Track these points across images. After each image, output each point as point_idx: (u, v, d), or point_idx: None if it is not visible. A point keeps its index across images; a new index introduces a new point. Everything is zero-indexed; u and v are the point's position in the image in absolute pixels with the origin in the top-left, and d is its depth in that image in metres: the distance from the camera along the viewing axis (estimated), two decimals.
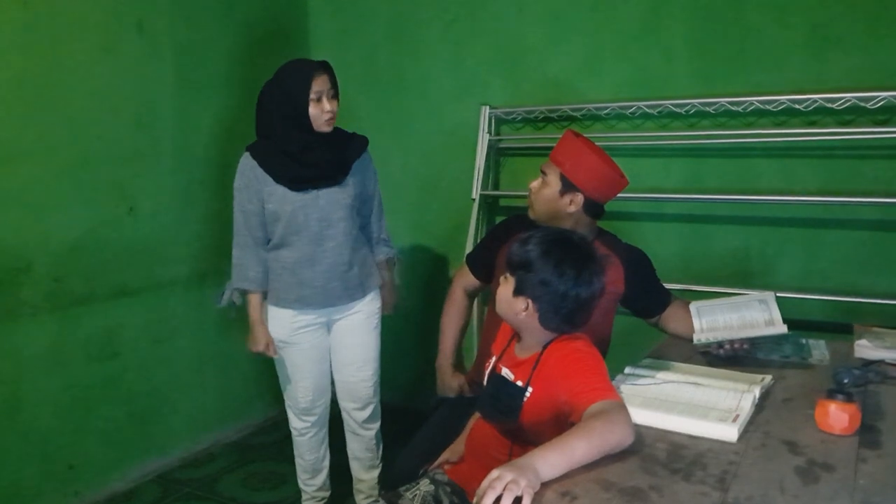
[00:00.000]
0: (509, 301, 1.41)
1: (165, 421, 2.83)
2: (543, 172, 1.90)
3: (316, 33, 3.42)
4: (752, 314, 1.80)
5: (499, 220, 2.96)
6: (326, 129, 2.07)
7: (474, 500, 1.04)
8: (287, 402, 2.32)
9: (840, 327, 2.19)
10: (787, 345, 1.90)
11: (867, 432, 1.32)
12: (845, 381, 1.48)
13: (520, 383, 1.41)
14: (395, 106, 3.28)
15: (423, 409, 3.31)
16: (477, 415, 1.59)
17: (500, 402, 1.44)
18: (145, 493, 2.66)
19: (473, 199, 2.93)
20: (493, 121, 2.94)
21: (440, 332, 2.14)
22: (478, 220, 2.94)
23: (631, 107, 2.62)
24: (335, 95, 2.09)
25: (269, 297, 2.18)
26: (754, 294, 1.90)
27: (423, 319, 3.32)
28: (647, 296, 2.01)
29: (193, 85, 2.82)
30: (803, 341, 1.94)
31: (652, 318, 2.04)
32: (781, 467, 1.18)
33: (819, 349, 1.88)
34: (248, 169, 2.10)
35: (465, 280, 2.13)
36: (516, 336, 1.50)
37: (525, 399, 1.39)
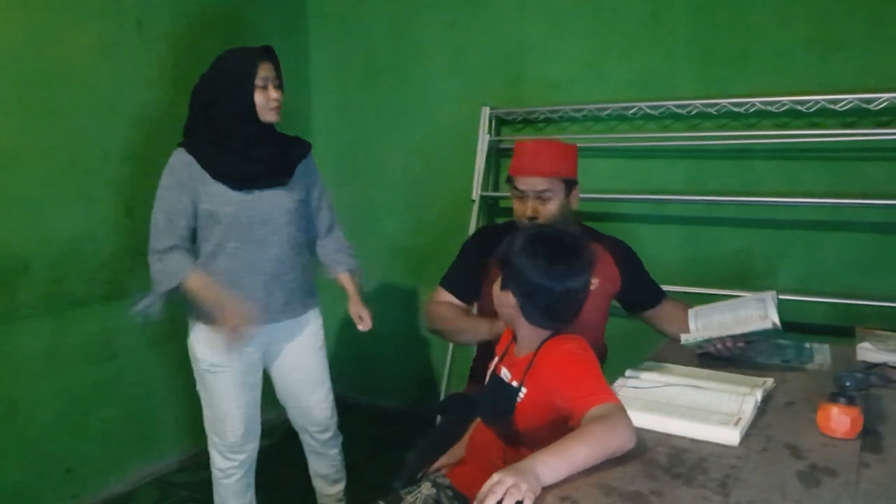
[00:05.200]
0: (498, 295, 1.44)
1: (163, 424, 2.82)
2: (543, 191, 1.81)
3: (316, 34, 3.42)
4: (747, 312, 1.75)
5: (499, 221, 2.96)
6: (273, 118, 1.92)
7: None
8: (211, 439, 2.08)
9: (842, 330, 2.18)
10: (788, 349, 1.89)
11: (869, 436, 1.31)
12: (847, 384, 1.46)
13: (515, 384, 1.41)
14: (395, 106, 3.28)
15: (421, 413, 3.32)
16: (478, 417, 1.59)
17: (497, 404, 1.43)
18: (143, 495, 2.65)
19: (473, 200, 2.93)
20: (493, 121, 2.94)
21: (460, 330, 1.88)
22: (478, 220, 2.93)
23: (632, 108, 2.62)
24: (280, 85, 1.95)
25: (202, 316, 1.93)
26: (753, 294, 1.86)
27: (421, 323, 3.32)
28: (642, 288, 1.98)
29: (192, 86, 2.80)
30: (806, 345, 1.93)
31: (646, 311, 2.00)
32: (783, 471, 1.17)
33: (822, 353, 1.86)
34: (181, 166, 1.89)
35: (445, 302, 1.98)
36: (515, 336, 1.50)
37: (518, 400, 1.38)
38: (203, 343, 1.96)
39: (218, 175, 1.88)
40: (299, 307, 2.07)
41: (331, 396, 2.24)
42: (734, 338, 1.74)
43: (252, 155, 1.90)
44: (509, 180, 1.88)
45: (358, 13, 3.30)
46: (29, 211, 2.31)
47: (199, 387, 2.05)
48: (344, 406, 3.49)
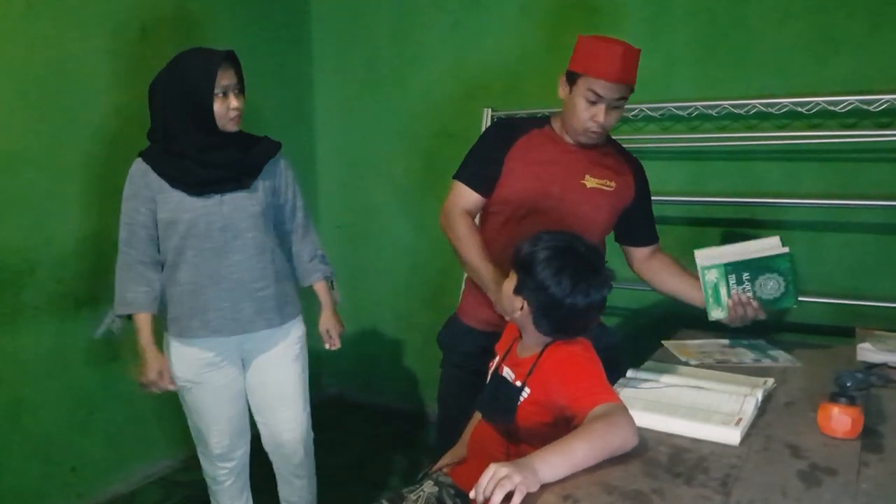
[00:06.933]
0: (509, 297, 1.43)
1: (167, 423, 2.82)
2: (620, 99, 1.74)
3: (318, 37, 3.43)
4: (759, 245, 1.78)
5: None
6: (232, 128, 1.82)
7: (471, 494, 1.06)
8: (199, 449, 2.04)
9: (842, 330, 2.19)
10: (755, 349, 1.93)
11: (870, 436, 1.32)
12: (848, 384, 1.47)
13: (518, 383, 1.42)
14: (397, 109, 3.28)
15: (421, 412, 3.33)
16: (478, 415, 1.60)
17: (499, 401, 1.44)
18: (147, 495, 2.66)
19: None
20: None
21: (468, 263, 1.81)
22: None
23: (633, 109, 2.62)
24: (242, 91, 1.84)
25: (170, 328, 1.90)
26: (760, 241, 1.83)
27: (423, 320, 3.32)
28: (641, 217, 1.94)
29: None
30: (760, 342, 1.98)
31: (635, 247, 1.97)
32: (784, 471, 1.18)
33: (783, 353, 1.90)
34: (138, 176, 1.82)
35: (464, 201, 1.87)
36: (519, 335, 1.51)
37: (521, 400, 1.39)
38: (175, 359, 1.91)
39: (175, 181, 1.80)
40: (275, 317, 1.95)
41: (303, 417, 2.08)
42: (751, 276, 1.74)
43: (208, 160, 1.80)
44: (576, 77, 1.76)
45: (360, 15, 3.31)
46: (34, 212, 2.32)
47: (180, 399, 1.99)
48: (344, 405, 3.53)
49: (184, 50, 1.82)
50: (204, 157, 1.80)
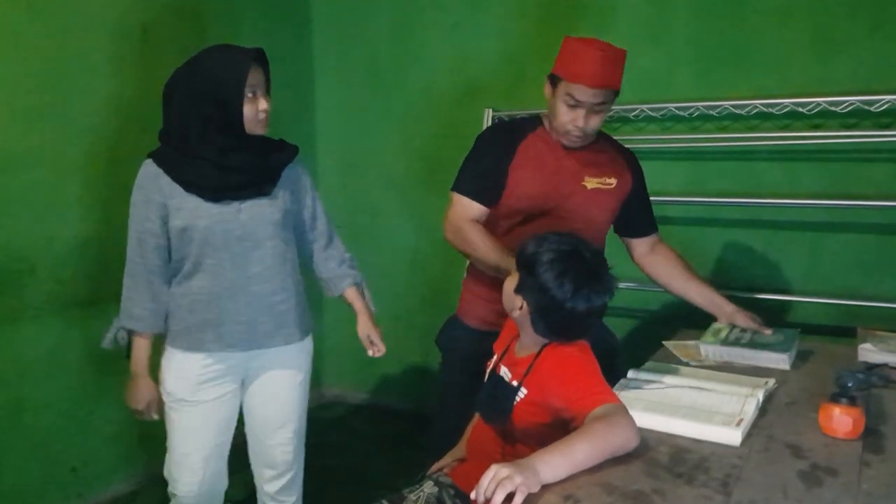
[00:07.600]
0: (510, 296, 1.43)
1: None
2: (601, 104, 1.71)
3: (319, 36, 3.43)
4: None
5: None
6: (259, 130, 1.72)
7: (472, 494, 1.06)
8: (169, 487, 1.90)
9: (843, 331, 2.19)
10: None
11: (871, 436, 1.32)
12: (849, 384, 1.47)
13: (515, 383, 1.41)
14: (397, 109, 3.29)
15: (421, 412, 3.33)
16: (477, 415, 1.60)
17: (496, 401, 1.44)
18: (148, 495, 2.65)
19: None
20: None
21: (492, 265, 1.73)
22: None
23: (634, 110, 2.62)
24: (268, 91, 1.74)
25: (176, 340, 1.77)
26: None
27: (423, 321, 3.32)
28: (639, 208, 1.94)
29: None
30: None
31: (634, 238, 1.98)
32: (785, 471, 1.18)
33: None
34: (148, 179, 1.69)
35: (469, 213, 1.81)
36: (518, 334, 1.51)
37: (518, 400, 1.39)
38: (178, 370, 1.77)
39: (191, 186, 1.67)
40: (295, 332, 1.84)
41: (297, 441, 1.96)
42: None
43: (227, 163, 1.68)
44: (557, 81, 1.72)
45: (360, 15, 3.31)
46: (35, 212, 2.32)
47: (165, 419, 1.85)
48: (345, 406, 3.53)
49: (209, 47, 1.73)
50: (223, 160, 1.67)
